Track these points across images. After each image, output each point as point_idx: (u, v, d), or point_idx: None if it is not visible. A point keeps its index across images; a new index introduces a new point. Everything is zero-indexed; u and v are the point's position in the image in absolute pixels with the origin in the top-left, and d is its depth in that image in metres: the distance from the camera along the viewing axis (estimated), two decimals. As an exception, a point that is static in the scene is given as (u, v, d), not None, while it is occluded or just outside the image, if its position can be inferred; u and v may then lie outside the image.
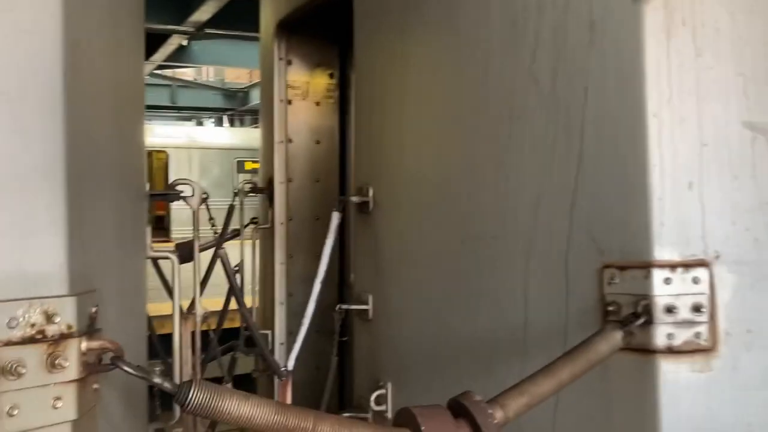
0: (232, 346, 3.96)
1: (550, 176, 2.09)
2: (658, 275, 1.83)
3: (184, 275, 2.66)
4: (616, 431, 1.93)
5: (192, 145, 20.40)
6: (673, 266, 1.84)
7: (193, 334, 2.88)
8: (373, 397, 2.73)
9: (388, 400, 2.75)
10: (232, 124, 25.51)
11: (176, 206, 20.31)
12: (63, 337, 1.25)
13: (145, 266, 2.47)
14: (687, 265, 1.84)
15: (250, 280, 4.08)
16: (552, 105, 2.09)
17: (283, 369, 2.71)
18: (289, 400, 2.69)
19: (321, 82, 3.96)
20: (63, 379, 1.24)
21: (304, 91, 3.90)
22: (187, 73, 24.59)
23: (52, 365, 1.22)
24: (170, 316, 2.68)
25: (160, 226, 20.75)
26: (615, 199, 1.94)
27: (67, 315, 1.25)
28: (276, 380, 2.81)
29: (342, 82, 4.06)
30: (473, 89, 2.38)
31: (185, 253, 3.33)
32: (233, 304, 4.06)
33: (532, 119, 2.16)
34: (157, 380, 1.34)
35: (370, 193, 2.83)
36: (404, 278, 2.70)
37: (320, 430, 1.43)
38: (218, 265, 3.92)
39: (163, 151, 20.23)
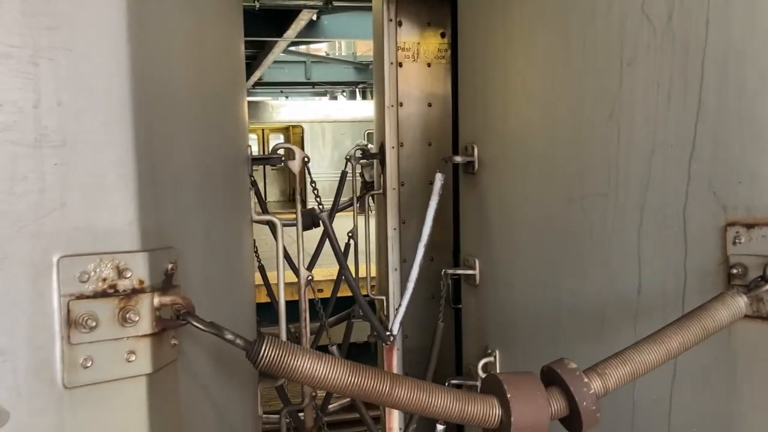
0: (349, 313, 4.00)
1: (665, 125, 1.87)
2: (794, 234, 1.58)
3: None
4: (741, 408, 1.71)
5: (326, 119, 20.92)
6: (810, 224, 1.58)
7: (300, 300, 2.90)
8: (480, 364, 2.64)
9: (497, 367, 2.64)
10: (364, 97, 25.86)
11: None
12: (135, 291, 1.26)
13: (250, 230, 2.52)
14: (826, 223, 1.58)
15: (364, 248, 4.08)
16: (667, 45, 1.86)
17: (387, 334, 2.67)
18: (395, 365, 2.65)
19: (432, 42, 3.83)
20: (136, 333, 1.26)
21: (414, 52, 3.79)
22: (320, 49, 25.19)
23: (124, 319, 1.24)
24: (294, 284, 2.73)
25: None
26: (741, 148, 1.69)
27: (138, 270, 1.27)
28: (384, 346, 2.78)
29: (454, 41, 3.91)
30: (580, 35, 2.17)
31: (307, 220, 3.38)
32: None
33: (645, 63, 1.93)
34: (229, 337, 1.34)
35: (476, 152, 2.70)
36: (510, 241, 2.56)
37: (396, 394, 1.37)
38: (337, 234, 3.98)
39: (299, 126, 20.90)
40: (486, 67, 2.70)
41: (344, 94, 27.31)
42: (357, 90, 25.89)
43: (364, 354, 5.03)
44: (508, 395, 1.36)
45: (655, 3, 1.89)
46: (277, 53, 16.79)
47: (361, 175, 3.93)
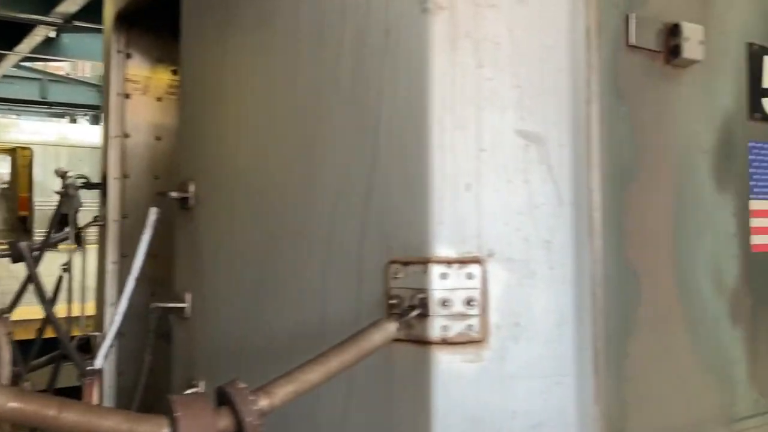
0: (59, 355, 3.78)
1: (349, 175, 2.17)
2: (435, 270, 1.94)
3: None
4: (398, 417, 2.01)
5: (61, 143, 19.33)
6: (449, 262, 1.95)
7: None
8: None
9: (202, 398, 2.72)
10: (108, 123, 24.36)
11: (39, 206, 19.24)
12: None
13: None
14: (462, 262, 1.96)
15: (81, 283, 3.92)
16: (352, 107, 2.17)
17: (88, 368, 2.62)
18: (95, 400, 2.60)
19: (164, 77, 3.88)
20: None
21: (144, 85, 3.81)
22: (62, 67, 23.35)
23: None
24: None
25: (23, 227, 19.52)
26: (401, 198, 2.04)
27: None
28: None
29: (184, 78, 4.00)
30: (285, 89, 2.42)
31: (15, 253, 3.16)
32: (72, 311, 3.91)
33: (334, 120, 2.22)
34: None
35: (191, 188, 2.81)
36: (220, 275, 2.69)
37: (65, 418, 1.40)
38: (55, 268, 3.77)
39: (28, 148, 19.04)
40: (205, 104, 2.84)
41: (86, 117, 25.52)
42: (101, 115, 24.36)
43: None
44: (177, 414, 1.47)
45: (343, 69, 2.19)
46: (6, 67, 15.28)
47: (58, 207, 3.77)
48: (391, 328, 1.86)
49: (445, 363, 1.94)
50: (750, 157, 2.48)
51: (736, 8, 2.51)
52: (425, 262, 1.95)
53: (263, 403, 1.60)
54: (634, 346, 2.15)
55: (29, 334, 3.91)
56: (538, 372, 2.00)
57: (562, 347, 2.02)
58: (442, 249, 1.96)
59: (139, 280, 2.91)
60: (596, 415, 2.04)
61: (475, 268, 1.96)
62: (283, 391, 1.65)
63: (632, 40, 2.18)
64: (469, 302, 1.95)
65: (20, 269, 3.53)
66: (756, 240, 2.48)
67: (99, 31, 12.57)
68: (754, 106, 2.52)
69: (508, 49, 2.04)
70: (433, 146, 1.98)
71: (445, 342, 1.93)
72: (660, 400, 2.23)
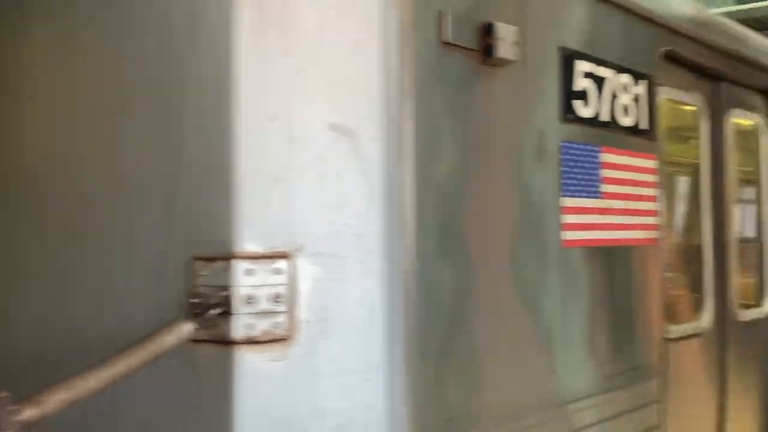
0: None
1: (152, 168, 2.04)
2: (240, 267, 1.85)
3: None
4: (202, 421, 1.91)
5: None
6: (255, 258, 1.88)
7: None
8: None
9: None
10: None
11: None
12: None
13: None
14: (269, 257, 1.89)
15: None
16: (155, 95, 2.04)
17: None
18: None
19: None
20: None
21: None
22: None
23: None
24: None
25: None
26: (207, 192, 1.94)
27: None
28: None
29: None
30: (85, 79, 2.24)
31: None
32: None
33: (136, 109, 2.09)
34: None
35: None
36: (20, 277, 2.46)
37: None
38: None
39: None
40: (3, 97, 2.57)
41: None
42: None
43: None
44: None
45: (148, 56, 2.06)
46: None
47: None
48: (185, 329, 1.76)
49: (250, 363, 1.86)
50: (561, 155, 2.60)
51: (550, 12, 2.62)
52: (229, 258, 1.86)
53: (29, 413, 1.46)
54: (460, 337, 2.17)
55: None
56: (347, 368, 1.97)
57: (373, 342, 2.01)
58: (248, 244, 1.88)
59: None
60: (408, 408, 2.04)
61: (282, 264, 1.90)
62: (54, 400, 1.51)
63: (447, 37, 2.21)
64: (276, 299, 1.88)
65: None
66: (566, 236, 2.60)
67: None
68: (566, 108, 2.64)
69: (319, 40, 1.99)
70: (240, 137, 1.89)
71: (250, 341, 1.86)
72: (493, 387, 2.28)
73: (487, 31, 2.32)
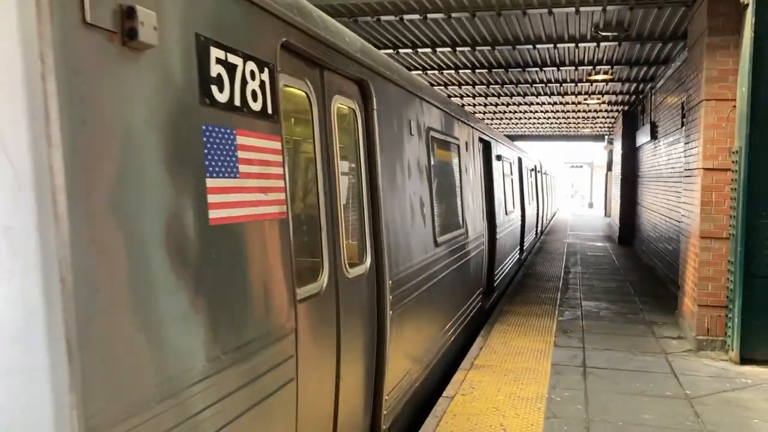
0: None
1: None
2: None
3: None
4: None
5: None
6: None
7: None
8: None
9: None
10: None
11: None
12: None
13: None
14: None
15: None
16: None
17: None
18: None
19: None
20: None
21: None
22: None
23: None
24: None
25: None
26: None
27: None
28: None
29: None
30: None
31: None
32: None
33: None
34: None
35: None
36: None
37: None
38: None
39: None
40: None
41: None
42: None
43: None
44: None
45: None
46: None
47: None
48: None
49: None
50: (203, 139, 2.72)
51: (186, 0, 2.70)
52: None
53: None
54: (101, 329, 2.13)
55: None
56: (7, 369, 1.82)
57: (33, 340, 1.89)
58: None
59: None
60: (73, 403, 1.98)
61: None
62: None
63: (88, 18, 2.14)
64: None
65: None
66: (213, 214, 2.75)
67: None
68: (205, 93, 2.77)
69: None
70: None
71: None
72: (129, 377, 2.26)
73: (129, 14, 2.31)
